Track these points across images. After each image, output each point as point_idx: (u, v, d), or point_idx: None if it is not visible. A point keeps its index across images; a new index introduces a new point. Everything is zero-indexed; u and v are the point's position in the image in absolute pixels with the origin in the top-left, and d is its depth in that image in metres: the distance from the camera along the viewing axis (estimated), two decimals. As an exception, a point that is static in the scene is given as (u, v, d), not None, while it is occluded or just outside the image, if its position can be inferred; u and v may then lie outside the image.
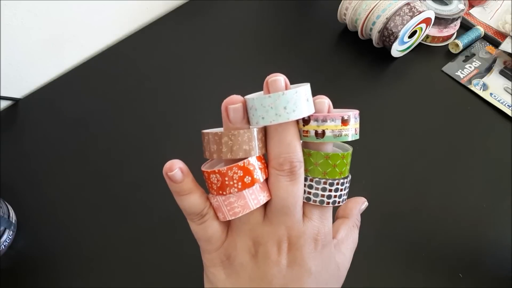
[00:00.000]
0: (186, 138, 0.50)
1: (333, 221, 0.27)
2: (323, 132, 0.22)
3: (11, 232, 0.43)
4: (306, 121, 0.22)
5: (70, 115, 0.54)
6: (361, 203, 0.29)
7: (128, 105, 0.54)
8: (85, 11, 0.56)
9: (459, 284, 0.40)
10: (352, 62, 0.58)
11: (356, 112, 0.23)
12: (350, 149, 0.24)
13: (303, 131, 0.22)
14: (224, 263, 0.23)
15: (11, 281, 0.42)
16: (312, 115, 0.22)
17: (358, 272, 0.40)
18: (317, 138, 0.22)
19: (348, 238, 0.26)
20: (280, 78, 0.21)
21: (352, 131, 0.22)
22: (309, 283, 0.22)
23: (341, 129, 0.22)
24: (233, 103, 0.22)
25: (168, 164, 0.22)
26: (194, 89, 0.56)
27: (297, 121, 0.22)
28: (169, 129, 0.52)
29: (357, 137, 0.23)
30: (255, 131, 0.22)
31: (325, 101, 0.23)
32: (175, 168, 0.22)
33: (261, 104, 0.21)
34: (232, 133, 0.21)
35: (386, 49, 0.56)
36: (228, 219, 0.23)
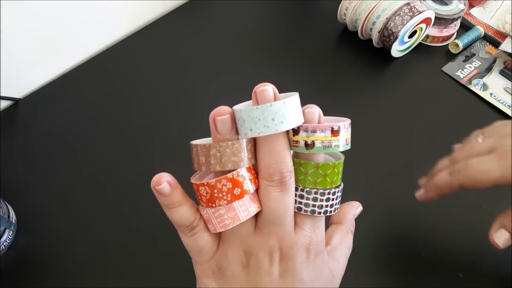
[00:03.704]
0: (186, 138, 0.50)
1: (328, 226, 0.27)
2: (313, 143, 0.21)
3: (11, 232, 0.43)
4: (296, 131, 0.22)
5: (70, 115, 0.54)
6: (355, 208, 0.29)
7: (128, 105, 0.54)
8: (85, 11, 0.56)
9: (459, 284, 0.40)
10: (352, 62, 0.58)
11: (347, 122, 0.22)
12: (342, 157, 0.24)
13: (293, 141, 0.22)
14: (216, 274, 0.23)
15: (11, 281, 0.42)
16: (301, 126, 0.22)
17: (358, 272, 0.40)
18: (306, 149, 0.22)
19: (342, 244, 0.26)
20: (268, 88, 0.21)
21: (342, 141, 0.22)
22: None
23: (331, 140, 0.22)
24: (220, 114, 0.22)
25: (155, 177, 0.22)
26: (193, 90, 0.56)
27: (287, 130, 0.22)
28: (169, 129, 0.52)
29: (348, 147, 0.22)
30: (244, 142, 0.21)
31: (315, 111, 0.22)
32: (163, 182, 0.22)
33: (248, 115, 0.21)
34: (221, 144, 0.21)
35: (386, 49, 0.56)
36: (218, 231, 0.22)
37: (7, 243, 0.43)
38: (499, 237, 0.33)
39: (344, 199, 0.28)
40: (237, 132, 0.22)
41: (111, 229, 0.44)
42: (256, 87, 0.21)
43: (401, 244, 0.43)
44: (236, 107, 0.22)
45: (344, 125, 0.22)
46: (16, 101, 0.55)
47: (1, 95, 0.53)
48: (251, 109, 0.21)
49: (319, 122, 0.22)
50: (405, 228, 0.44)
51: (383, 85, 0.56)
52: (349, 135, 0.23)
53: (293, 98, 0.21)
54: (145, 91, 0.56)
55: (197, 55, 0.59)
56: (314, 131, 0.21)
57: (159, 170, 0.23)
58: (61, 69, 0.59)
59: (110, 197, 0.47)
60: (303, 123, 0.22)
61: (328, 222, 0.28)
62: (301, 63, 0.58)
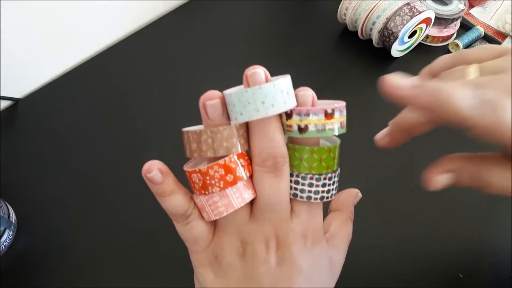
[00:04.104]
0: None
1: (327, 214, 0.27)
2: (306, 126, 0.21)
3: (11, 232, 0.43)
4: (289, 115, 0.21)
5: (70, 115, 0.54)
6: (353, 195, 0.28)
7: (128, 105, 0.54)
8: (85, 11, 0.56)
9: (459, 285, 0.40)
10: (352, 62, 0.58)
11: (342, 104, 0.21)
12: (338, 141, 0.23)
13: (287, 125, 0.21)
14: (212, 264, 0.23)
15: (11, 281, 0.42)
16: (294, 109, 0.21)
17: (357, 271, 0.40)
18: (300, 133, 0.21)
19: (342, 232, 0.25)
20: (259, 71, 0.20)
21: (337, 125, 0.21)
22: (300, 281, 0.22)
23: (324, 124, 0.21)
24: (210, 99, 0.21)
25: (146, 165, 0.22)
26: (193, 90, 0.56)
27: (280, 114, 0.21)
28: (168, 130, 0.52)
29: (344, 131, 0.21)
30: (235, 127, 0.21)
31: (308, 93, 0.21)
32: (154, 169, 0.21)
33: (238, 99, 0.20)
34: (212, 130, 0.20)
35: (386, 49, 0.56)
36: (212, 219, 0.22)
37: (7, 243, 0.43)
38: (441, 180, 0.26)
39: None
40: (228, 117, 0.21)
41: (111, 229, 0.44)
42: (246, 70, 0.21)
43: (400, 244, 0.43)
44: (226, 91, 0.21)
45: (338, 107, 0.21)
46: (16, 101, 0.55)
47: (1, 95, 0.53)
48: (240, 93, 0.20)
49: (313, 105, 0.21)
50: (404, 228, 0.44)
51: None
52: (344, 118, 0.22)
53: (284, 80, 0.20)
54: (145, 91, 0.56)
55: (197, 55, 0.59)
56: (307, 115, 0.21)
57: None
58: (61, 69, 0.59)
59: (110, 197, 0.47)
60: (296, 106, 0.21)
61: (327, 211, 0.27)
62: (301, 63, 0.58)
